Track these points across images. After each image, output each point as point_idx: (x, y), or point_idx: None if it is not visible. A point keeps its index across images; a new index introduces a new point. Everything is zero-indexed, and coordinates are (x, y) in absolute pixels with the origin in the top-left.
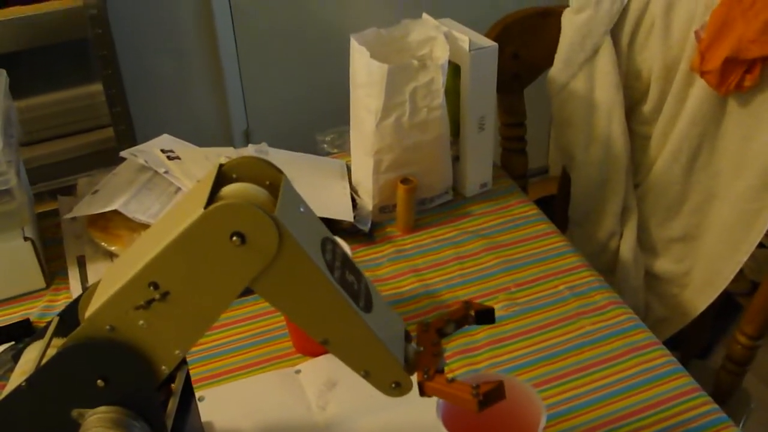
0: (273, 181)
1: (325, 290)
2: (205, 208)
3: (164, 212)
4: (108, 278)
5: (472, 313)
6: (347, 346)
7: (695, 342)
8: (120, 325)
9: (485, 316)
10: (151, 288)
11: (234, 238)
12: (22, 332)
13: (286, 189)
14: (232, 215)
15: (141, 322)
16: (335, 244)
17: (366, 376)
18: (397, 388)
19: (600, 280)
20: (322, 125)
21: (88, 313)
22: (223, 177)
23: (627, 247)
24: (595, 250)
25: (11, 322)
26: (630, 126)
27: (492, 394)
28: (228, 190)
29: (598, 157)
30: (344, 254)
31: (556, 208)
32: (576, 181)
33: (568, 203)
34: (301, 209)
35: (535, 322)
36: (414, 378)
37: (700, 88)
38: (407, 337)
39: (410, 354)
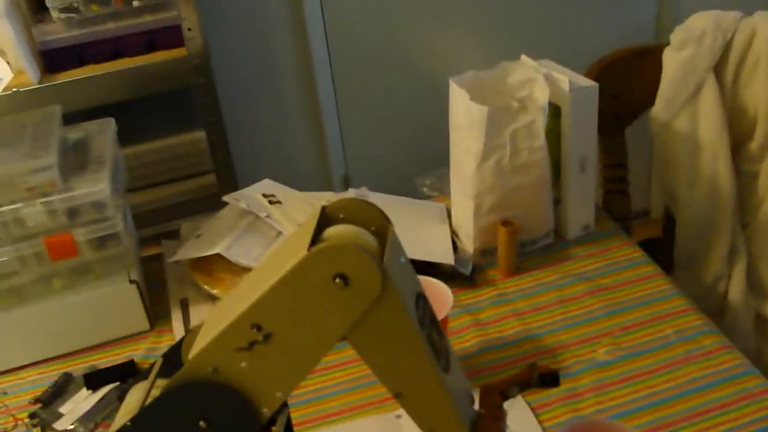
0: (378, 227)
1: (414, 345)
2: (309, 249)
3: (266, 255)
4: (211, 320)
5: (537, 375)
6: (420, 403)
7: None
8: (223, 366)
9: (549, 379)
10: (254, 330)
11: (337, 279)
12: (127, 373)
13: (393, 238)
14: (336, 256)
15: (243, 363)
16: (426, 300)
17: None
18: None
19: (708, 323)
20: (421, 169)
21: (191, 355)
22: (326, 218)
23: (736, 290)
24: (702, 294)
25: (116, 363)
26: (736, 164)
27: None
28: (331, 231)
29: (703, 197)
30: (432, 312)
31: (661, 251)
32: (681, 222)
33: (672, 246)
34: (402, 260)
35: (641, 368)
36: None
37: None
38: (471, 400)
39: (472, 417)
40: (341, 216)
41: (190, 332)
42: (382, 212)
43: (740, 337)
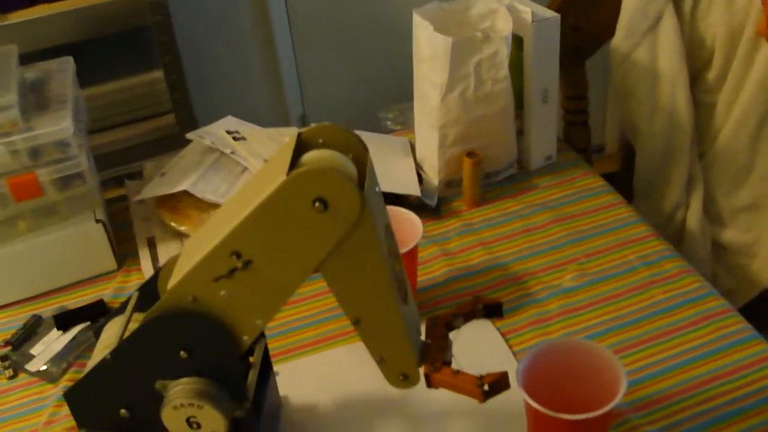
0: (356, 154)
1: (380, 274)
2: (288, 174)
3: (242, 184)
4: (189, 250)
5: (481, 306)
6: (376, 331)
7: (765, 314)
8: (203, 295)
9: (493, 310)
10: (234, 257)
11: (317, 204)
12: (97, 312)
13: (370, 167)
14: (315, 181)
15: (223, 292)
16: (392, 233)
17: (380, 362)
18: (405, 380)
19: (670, 249)
20: (380, 105)
21: (170, 285)
22: (303, 144)
23: (693, 218)
24: (660, 222)
25: (86, 303)
26: (694, 95)
27: (496, 384)
28: (310, 156)
29: (662, 128)
30: (396, 245)
31: (619, 184)
32: (640, 152)
33: (630, 179)
34: (377, 190)
35: (607, 292)
36: (421, 370)
37: (766, 53)
38: (419, 332)
39: (420, 347)
40: (320, 141)
41: (167, 264)
42: (359, 139)
43: (698, 263)
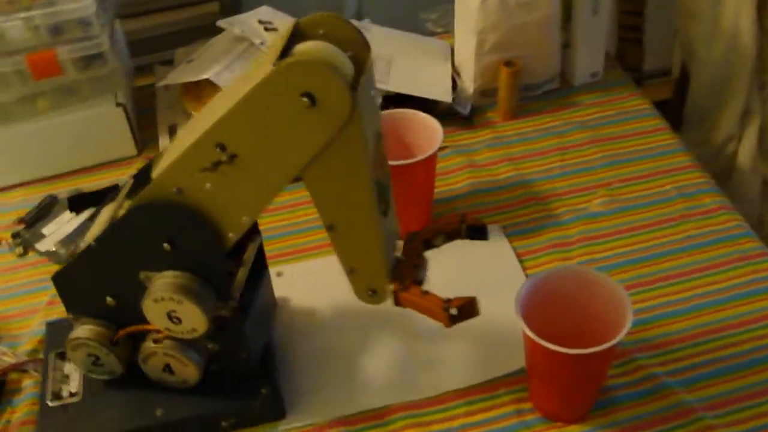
0: (356, 52)
1: (362, 181)
2: (275, 64)
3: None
4: (178, 140)
5: (465, 227)
6: (351, 239)
7: None
8: (187, 187)
9: (477, 232)
10: (218, 149)
11: (304, 98)
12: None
13: (369, 67)
14: (303, 73)
15: (208, 185)
16: (382, 139)
17: (350, 273)
18: (373, 296)
19: (711, 182)
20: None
21: (154, 174)
22: (301, 35)
23: (746, 152)
24: (709, 154)
25: (101, 188)
26: (760, 20)
27: (464, 309)
28: (303, 47)
29: (722, 53)
30: (385, 156)
31: (670, 110)
32: (696, 78)
33: (682, 106)
34: (372, 93)
35: (636, 221)
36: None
37: None
38: (396, 248)
39: (393, 262)
40: (320, 33)
41: (160, 153)
42: (363, 37)
43: (745, 202)
